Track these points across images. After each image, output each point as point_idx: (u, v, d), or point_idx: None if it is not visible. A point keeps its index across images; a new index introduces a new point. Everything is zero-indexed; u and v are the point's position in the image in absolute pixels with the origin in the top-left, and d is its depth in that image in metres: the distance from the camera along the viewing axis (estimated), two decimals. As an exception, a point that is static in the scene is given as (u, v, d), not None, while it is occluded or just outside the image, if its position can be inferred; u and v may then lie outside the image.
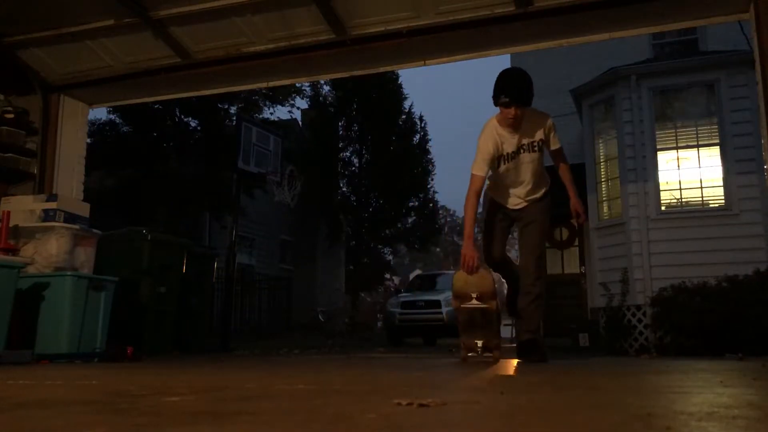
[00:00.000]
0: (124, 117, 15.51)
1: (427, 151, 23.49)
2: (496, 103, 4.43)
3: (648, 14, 5.13)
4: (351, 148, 22.45)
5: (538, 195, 4.72)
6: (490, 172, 4.59)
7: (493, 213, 4.81)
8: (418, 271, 30.30)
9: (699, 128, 9.11)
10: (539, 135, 4.56)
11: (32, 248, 5.17)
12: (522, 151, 4.56)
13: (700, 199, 8.96)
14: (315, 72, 6.54)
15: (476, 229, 4.80)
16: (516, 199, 4.72)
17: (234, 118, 14.50)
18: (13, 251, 4.98)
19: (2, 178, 6.02)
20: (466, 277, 4.29)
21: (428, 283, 16.62)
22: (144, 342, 6.29)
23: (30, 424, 1.26)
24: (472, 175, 4.49)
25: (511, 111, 4.35)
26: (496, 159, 4.56)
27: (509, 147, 4.54)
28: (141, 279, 6.62)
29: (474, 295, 4.28)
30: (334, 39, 5.64)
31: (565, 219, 12.89)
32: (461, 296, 4.38)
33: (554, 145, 4.63)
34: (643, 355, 7.29)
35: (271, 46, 5.83)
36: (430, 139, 23.60)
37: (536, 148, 4.56)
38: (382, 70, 7.06)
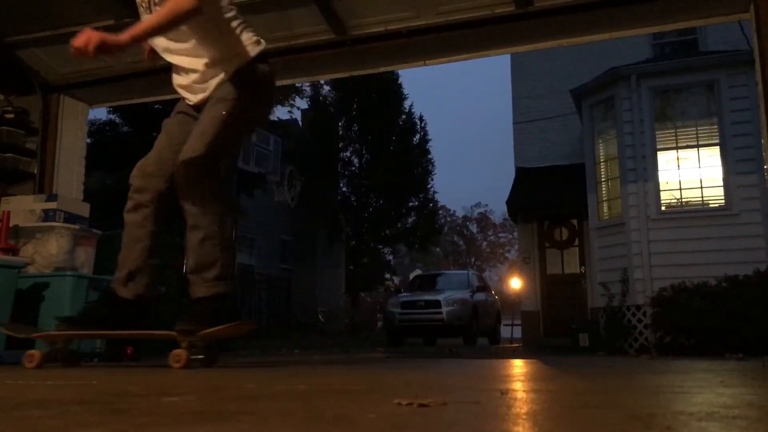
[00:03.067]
0: (124, 117, 15.54)
1: (427, 151, 23.57)
2: None
3: (648, 14, 5.13)
4: (351, 148, 22.49)
5: (213, 83, 3.19)
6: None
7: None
8: (418, 271, 30.29)
9: (699, 128, 9.12)
10: None
11: (32, 248, 5.17)
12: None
13: (700, 199, 8.97)
14: (315, 72, 6.54)
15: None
16: (183, 90, 3.22)
17: (234, 118, 14.49)
18: (13, 251, 4.98)
19: (2, 178, 6.02)
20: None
21: (428, 283, 16.62)
22: (144, 342, 6.28)
23: (30, 424, 1.26)
24: None
25: None
26: None
27: None
28: (141, 279, 6.62)
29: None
30: (334, 39, 5.64)
31: (565, 219, 12.93)
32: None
33: None
34: (643, 355, 7.30)
35: (270, 46, 5.83)
36: (430, 139, 23.73)
37: None
38: (382, 70, 7.08)
